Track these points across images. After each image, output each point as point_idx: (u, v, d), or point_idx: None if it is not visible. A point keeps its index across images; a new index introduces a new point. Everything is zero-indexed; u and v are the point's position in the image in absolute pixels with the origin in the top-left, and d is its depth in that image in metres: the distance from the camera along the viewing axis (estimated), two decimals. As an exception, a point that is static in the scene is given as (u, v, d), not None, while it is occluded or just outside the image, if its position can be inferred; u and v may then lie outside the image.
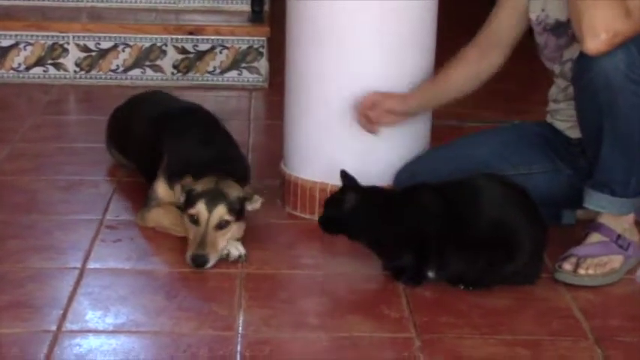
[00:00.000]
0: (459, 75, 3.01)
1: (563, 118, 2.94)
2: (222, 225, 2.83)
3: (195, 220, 2.82)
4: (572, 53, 2.84)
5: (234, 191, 2.87)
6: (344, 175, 2.77)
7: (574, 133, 2.91)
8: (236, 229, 2.87)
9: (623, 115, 2.64)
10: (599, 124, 2.69)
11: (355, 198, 2.72)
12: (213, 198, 2.83)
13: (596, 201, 2.78)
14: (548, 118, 3.01)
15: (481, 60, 2.99)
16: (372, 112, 2.97)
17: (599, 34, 2.57)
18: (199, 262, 2.76)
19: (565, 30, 2.80)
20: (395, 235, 2.69)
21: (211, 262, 2.77)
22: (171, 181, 2.99)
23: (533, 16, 2.92)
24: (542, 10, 2.89)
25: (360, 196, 2.72)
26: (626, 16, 2.56)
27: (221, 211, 2.82)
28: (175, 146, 3.07)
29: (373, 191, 2.77)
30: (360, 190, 2.75)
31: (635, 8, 2.57)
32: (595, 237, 2.82)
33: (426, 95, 3.03)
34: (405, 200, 2.72)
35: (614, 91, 2.62)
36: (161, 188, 3.02)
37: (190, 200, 2.84)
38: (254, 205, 2.92)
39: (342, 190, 2.75)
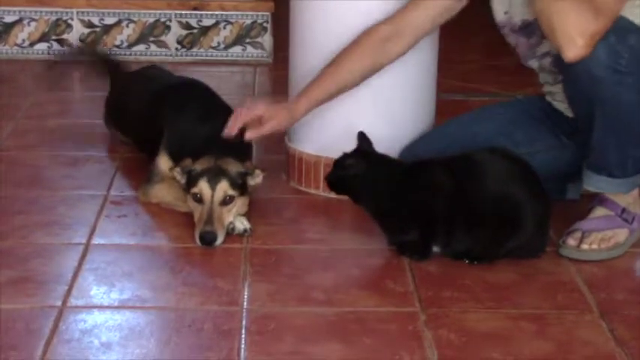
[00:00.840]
0: (355, 68, 2.90)
1: (560, 99, 2.92)
2: (226, 201, 2.82)
3: (199, 199, 2.82)
4: (546, 47, 2.81)
5: (234, 167, 2.86)
6: (362, 136, 2.74)
7: (573, 113, 2.90)
8: (240, 204, 2.86)
9: (611, 104, 2.63)
10: (590, 112, 2.68)
11: (364, 163, 2.70)
12: (215, 175, 2.82)
13: (595, 182, 2.77)
14: (547, 98, 2.99)
15: (382, 51, 2.90)
16: (254, 123, 2.87)
17: (575, 41, 2.53)
18: (208, 239, 2.75)
19: (534, 29, 2.74)
20: (402, 209, 2.68)
21: (220, 239, 2.77)
22: (172, 156, 2.97)
23: (497, 19, 2.88)
24: (506, 12, 2.84)
25: (370, 162, 2.71)
26: (597, 15, 2.51)
27: (224, 187, 2.81)
28: (176, 121, 3.05)
29: (384, 160, 2.76)
30: (371, 156, 2.73)
31: (601, 4, 2.52)
32: (600, 211, 2.82)
33: (319, 95, 2.92)
34: (414, 174, 2.70)
35: (599, 83, 2.60)
36: (163, 163, 3.01)
37: (192, 180, 2.84)
38: (256, 179, 2.91)
39: (354, 153, 2.73)
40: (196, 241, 2.77)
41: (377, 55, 2.90)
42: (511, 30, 2.87)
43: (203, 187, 2.81)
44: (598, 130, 2.69)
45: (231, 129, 2.87)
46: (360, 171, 2.69)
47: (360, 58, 2.90)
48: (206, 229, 2.76)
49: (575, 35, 2.53)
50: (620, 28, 2.57)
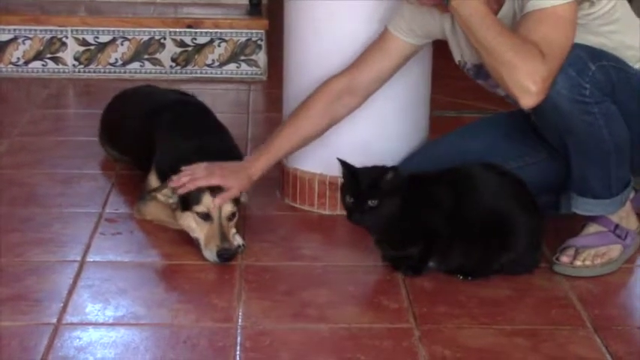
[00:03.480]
0: (312, 127, 2.93)
1: None
2: (231, 217, 2.82)
3: (206, 216, 2.81)
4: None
5: None
6: (344, 163, 2.74)
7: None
8: (236, 219, 2.87)
9: (581, 134, 2.63)
10: (563, 143, 2.70)
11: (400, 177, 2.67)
12: (217, 192, 2.82)
13: (582, 205, 2.78)
14: (532, 117, 2.98)
15: (338, 106, 2.92)
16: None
17: (528, 89, 2.50)
18: (228, 255, 2.75)
19: (487, 72, 2.69)
20: (404, 225, 2.67)
21: (235, 255, 2.77)
22: (162, 174, 2.96)
23: (456, 61, 2.88)
24: (462, 55, 2.84)
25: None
26: (542, 57, 2.49)
27: (230, 202, 2.82)
28: (167, 138, 3.06)
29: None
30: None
31: (546, 46, 2.50)
32: (593, 227, 2.82)
33: (279, 154, 2.94)
34: (415, 188, 2.69)
35: (565, 116, 2.60)
36: (154, 181, 3.01)
37: (193, 198, 2.82)
38: (241, 198, 2.91)
39: (381, 170, 2.67)
40: (210, 259, 2.76)
41: (334, 111, 2.93)
42: (467, 73, 2.88)
43: (209, 203, 2.81)
44: (575, 158, 2.71)
45: (178, 183, 2.83)
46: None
47: (317, 116, 2.92)
48: (224, 245, 2.75)
49: (527, 84, 2.50)
50: (578, 59, 2.57)
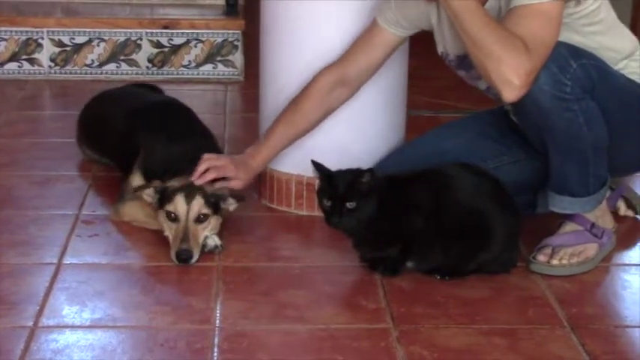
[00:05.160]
0: (307, 120, 2.96)
1: None
2: (201, 219, 2.82)
3: (173, 217, 2.81)
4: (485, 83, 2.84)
5: (208, 186, 2.86)
6: (317, 164, 2.74)
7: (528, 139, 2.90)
8: (213, 223, 2.86)
9: (561, 131, 2.65)
10: (542, 140, 2.71)
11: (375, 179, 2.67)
12: (190, 192, 2.82)
13: (559, 203, 2.79)
14: (510, 115, 2.99)
15: (331, 98, 2.95)
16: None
17: (512, 82, 2.52)
18: (185, 256, 2.75)
19: (471, 64, 2.72)
20: (382, 226, 2.67)
21: (195, 257, 2.77)
22: (147, 176, 2.97)
23: (439, 52, 2.90)
24: (444, 47, 2.85)
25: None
26: (529, 53, 2.51)
27: (199, 204, 2.81)
28: (151, 141, 3.06)
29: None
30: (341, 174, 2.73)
31: (531, 41, 2.52)
32: (569, 226, 2.83)
33: (277, 149, 2.99)
34: (393, 189, 2.69)
35: (546, 113, 2.62)
36: (136, 182, 3.00)
37: (166, 197, 2.83)
38: (229, 205, 2.91)
39: (356, 173, 2.67)
40: (172, 259, 2.76)
41: (327, 103, 2.96)
42: (450, 64, 2.89)
43: (178, 203, 2.81)
44: (554, 155, 2.72)
45: (198, 178, 2.88)
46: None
47: (311, 108, 2.95)
48: (182, 247, 2.76)
49: (510, 77, 2.52)
50: (560, 56, 2.59)
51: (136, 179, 3.01)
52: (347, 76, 2.93)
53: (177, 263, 2.75)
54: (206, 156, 2.92)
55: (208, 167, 2.89)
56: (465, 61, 2.77)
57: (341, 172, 2.67)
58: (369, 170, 2.65)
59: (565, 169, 2.73)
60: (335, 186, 2.64)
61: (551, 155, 2.72)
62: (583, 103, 2.62)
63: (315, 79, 2.95)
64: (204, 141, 3.13)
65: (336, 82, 2.93)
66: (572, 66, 2.60)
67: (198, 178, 2.87)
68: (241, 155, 3.00)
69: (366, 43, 2.91)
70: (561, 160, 2.72)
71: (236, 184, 2.93)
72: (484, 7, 2.60)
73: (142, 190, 2.89)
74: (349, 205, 2.62)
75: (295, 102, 2.97)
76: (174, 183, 2.86)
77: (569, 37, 2.64)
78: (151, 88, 3.69)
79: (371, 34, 2.90)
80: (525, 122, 2.76)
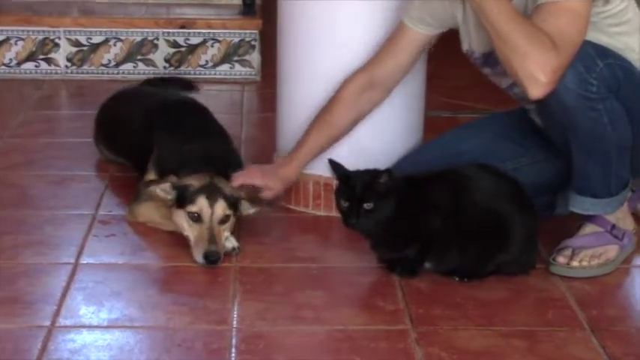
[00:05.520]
0: (339, 126, 2.96)
1: None
2: (224, 220, 2.82)
3: (197, 217, 2.81)
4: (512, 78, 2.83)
5: (227, 187, 2.86)
6: (335, 163, 2.74)
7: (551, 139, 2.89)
8: (231, 223, 2.86)
9: (585, 130, 2.64)
10: (566, 140, 2.70)
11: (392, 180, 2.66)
12: (213, 193, 2.82)
13: (580, 204, 2.78)
14: (530, 114, 2.98)
15: (363, 102, 2.95)
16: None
17: (538, 78, 2.52)
18: (214, 258, 2.74)
19: (496, 60, 2.71)
20: (400, 227, 2.67)
21: (222, 258, 2.77)
22: (161, 175, 2.97)
23: (464, 50, 2.89)
24: (469, 44, 2.85)
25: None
26: (556, 50, 2.50)
27: (223, 206, 2.81)
28: (166, 140, 3.06)
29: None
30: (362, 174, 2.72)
31: (558, 37, 2.51)
32: (589, 228, 2.82)
33: (308, 157, 2.99)
34: (412, 190, 2.69)
35: (570, 112, 2.61)
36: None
37: (187, 197, 2.82)
38: (247, 210, 2.91)
39: (375, 174, 2.67)
40: (198, 261, 2.76)
41: (358, 108, 2.96)
42: (475, 62, 2.88)
43: (203, 205, 2.80)
44: (577, 156, 2.71)
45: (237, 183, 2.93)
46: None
47: (343, 114, 2.95)
48: (211, 248, 2.75)
49: (536, 73, 2.51)
50: (586, 55, 2.58)
51: (150, 178, 3.01)
52: (375, 79, 2.93)
53: (206, 265, 2.74)
54: (234, 176, 2.93)
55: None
56: (490, 58, 2.76)
57: (359, 173, 2.67)
58: (387, 171, 2.64)
59: (588, 170, 2.71)
60: (352, 187, 2.63)
61: (574, 155, 2.71)
62: (608, 103, 2.61)
63: (343, 84, 2.94)
64: (219, 140, 3.13)
65: (365, 85, 2.93)
66: (598, 65, 2.59)
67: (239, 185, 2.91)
68: (271, 165, 3.02)
69: (393, 44, 2.90)
70: (584, 160, 2.70)
71: (267, 194, 2.95)
72: (510, 1, 2.59)
73: (156, 185, 2.89)
74: (366, 206, 2.61)
75: (325, 109, 2.96)
76: (192, 181, 2.85)
77: (595, 37, 2.63)
78: (169, 80, 3.70)
79: (398, 35, 2.89)
80: (549, 121, 2.75)
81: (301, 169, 3.02)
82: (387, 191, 2.62)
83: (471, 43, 2.83)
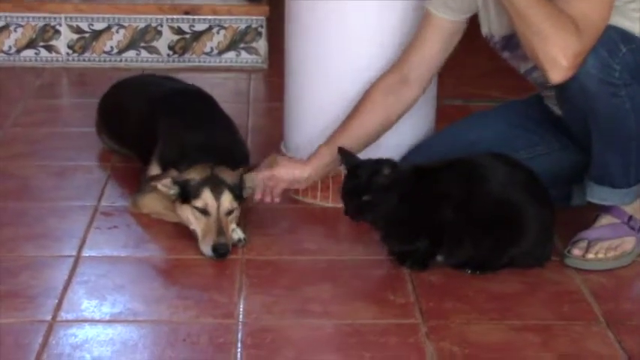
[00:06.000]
0: (369, 126, 2.90)
1: (557, 102, 2.92)
2: (230, 212, 2.83)
3: (204, 211, 2.82)
4: (532, 62, 2.82)
5: (230, 177, 2.87)
6: (344, 152, 2.74)
7: (569, 127, 2.90)
8: (236, 213, 2.87)
9: (606, 117, 2.64)
10: (586, 127, 2.70)
11: (394, 171, 2.67)
12: (217, 186, 2.83)
13: (597, 194, 2.78)
14: (545, 101, 2.99)
15: (394, 102, 2.91)
16: (270, 183, 2.92)
17: (559, 62, 2.53)
18: (223, 250, 2.75)
19: (517, 44, 2.72)
20: (413, 217, 2.68)
21: (230, 250, 2.78)
22: (164, 166, 2.97)
23: (483, 33, 2.89)
24: (489, 28, 2.85)
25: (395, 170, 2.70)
26: (579, 34, 2.52)
27: (229, 198, 2.83)
28: (170, 130, 3.06)
29: (393, 166, 2.75)
30: (388, 162, 2.73)
31: (581, 20, 2.52)
32: (606, 219, 2.83)
33: (332, 158, 2.90)
34: (423, 181, 2.69)
35: (592, 97, 2.61)
36: (155, 172, 3.00)
37: (192, 192, 2.83)
38: (247, 191, 2.91)
39: (376, 163, 2.68)
40: (206, 254, 2.77)
41: (389, 108, 2.92)
42: (494, 45, 2.89)
43: (208, 199, 2.81)
44: (596, 143, 2.71)
45: (267, 198, 2.94)
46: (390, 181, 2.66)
47: (372, 115, 2.91)
48: (220, 240, 2.76)
49: (558, 57, 2.53)
50: (609, 39, 2.58)
51: (154, 170, 3.02)
52: (407, 76, 2.90)
53: (215, 257, 2.75)
54: (259, 177, 2.90)
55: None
56: (510, 42, 2.77)
57: (366, 163, 2.67)
58: (389, 163, 2.65)
59: (607, 158, 2.71)
60: (355, 177, 2.64)
61: (593, 143, 2.71)
62: (630, 89, 2.61)
63: (373, 84, 2.92)
64: (225, 130, 3.13)
65: (396, 83, 2.90)
66: (621, 50, 2.59)
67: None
68: (301, 159, 2.99)
69: (420, 36, 2.89)
70: (604, 148, 2.70)
71: (289, 181, 2.92)
72: None
73: (157, 180, 2.90)
74: (365, 197, 2.62)
75: (351, 113, 2.93)
76: (193, 175, 2.86)
77: (618, 21, 2.63)
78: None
79: (423, 25, 2.89)
80: (568, 108, 2.75)
81: (327, 167, 2.92)
82: (389, 184, 2.63)
83: (491, 26, 2.83)
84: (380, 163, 2.67)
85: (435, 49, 2.91)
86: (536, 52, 2.55)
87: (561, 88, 2.64)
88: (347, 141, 2.85)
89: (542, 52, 2.54)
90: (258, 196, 2.92)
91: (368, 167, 2.66)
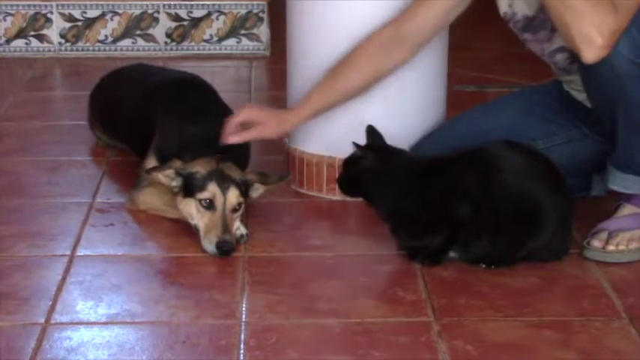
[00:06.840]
0: (356, 77, 2.95)
1: (579, 87, 2.92)
2: (236, 208, 2.84)
3: (209, 204, 2.83)
4: (558, 42, 2.82)
5: (236, 173, 2.88)
6: (371, 131, 2.75)
7: (594, 110, 2.90)
8: (241, 212, 2.88)
9: (635, 100, 2.64)
10: (613, 112, 2.70)
11: (376, 156, 2.71)
12: (224, 180, 2.84)
13: (620, 182, 2.79)
14: (565, 87, 2.99)
15: (385, 57, 2.93)
16: (243, 126, 2.96)
17: (594, 40, 2.54)
18: (227, 248, 2.76)
19: (541, 24, 2.74)
20: (426, 211, 2.69)
21: (234, 248, 2.79)
22: (162, 159, 2.98)
23: (502, 13, 2.90)
24: (509, 6, 2.86)
25: (384, 157, 2.72)
26: (614, 11, 2.52)
27: (236, 194, 2.84)
28: (167, 121, 3.07)
29: (401, 155, 2.77)
30: (384, 150, 2.75)
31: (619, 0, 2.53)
32: (627, 209, 2.83)
33: (317, 106, 2.97)
34: (437, 173, 2.71)
35: (622, 80, 2.61)
36: (152, 165, 3.01)
37: (197, 185, 2.84)
38: (257, 191, 2.93)
39: (364, 147, 2.74)
40: (208, 250, 2.78)
41: (379, 62, 2.94)
42: (515, 25, 2.89)
43: (215, 192, 2.82)
44: (622, 129, 2.71)
45: (225, 137, 2.93)
46: (373, 166, 2.69)
47: (361, 65, 2.94)
48: (225, 238, 2.77)
49: (593, 34, 2.54)
50: None
51: (151, 163, 3.02)
52: (403, 34, 2.91)
53: (218, 255, 2.76)
54: (230, 119, 2.95)
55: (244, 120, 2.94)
56: (533, 22, 2.77)
57: (375, 148, 2.74)
58: (366, 153, 2.71)
59: (632, 144, 2.71)
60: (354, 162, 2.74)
61: (619, 129, 2.71)
62: None
63: (369, 35, 2.94)
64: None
65: (390, 39, 2.91)
66: None
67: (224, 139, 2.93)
68: (274, 110, 3.05)
69: (425, 1, 2.89)
70: (630, 134, 2.70)
71: (259, 131, 2.95)
72: None
73: (158, 171, 2.90)
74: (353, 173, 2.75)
75: (342, 60, 2.96)
76: (197, 167, 2.87)
77: None
78: None
79: None
80: (594, 90, 2.74)
81: (305, 120, 3.00)
82: (376, 169, 2.68)
83: (513, 4, 2.83)
84: (362, 152, 2.72)
85: (440, 17, 2.91)
86: (570, 29, 2.56)
87: (589, 71, 2.64)
88: (330, 96, 2.94)
89: (577, 30, 2.55)
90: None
91: (375, 149, 2.71)
